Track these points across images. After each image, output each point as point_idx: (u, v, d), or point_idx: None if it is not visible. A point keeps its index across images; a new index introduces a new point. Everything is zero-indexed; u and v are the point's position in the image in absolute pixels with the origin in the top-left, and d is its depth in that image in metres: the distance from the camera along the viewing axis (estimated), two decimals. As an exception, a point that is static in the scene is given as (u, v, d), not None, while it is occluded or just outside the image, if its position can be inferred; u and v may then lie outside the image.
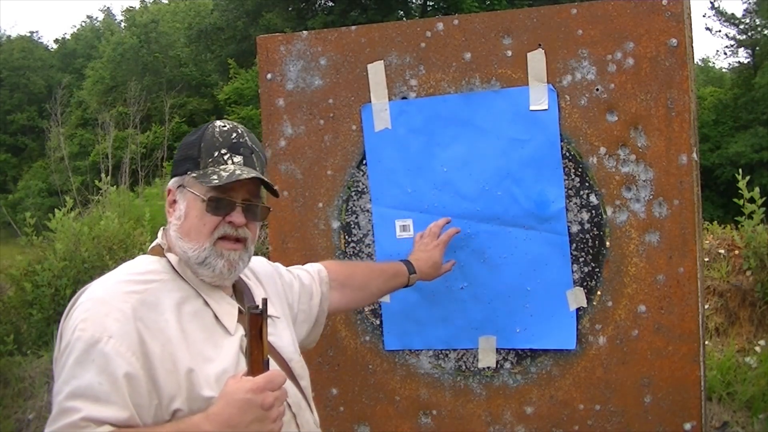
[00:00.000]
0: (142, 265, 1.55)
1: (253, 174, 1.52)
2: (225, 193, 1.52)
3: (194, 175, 1.53)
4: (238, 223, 1.54)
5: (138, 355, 1.37)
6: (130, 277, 1.50)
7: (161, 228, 1.63)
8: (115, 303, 1.41)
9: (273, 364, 1.57)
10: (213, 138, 1.55)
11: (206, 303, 1.53)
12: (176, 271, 1.54)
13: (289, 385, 1.60)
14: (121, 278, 1.49)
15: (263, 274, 1.81)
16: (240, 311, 1.58)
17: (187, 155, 1.56)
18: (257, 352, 1.33)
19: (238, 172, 1.51)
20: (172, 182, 1.57)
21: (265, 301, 1.34)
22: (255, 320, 1.31)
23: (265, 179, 1.57)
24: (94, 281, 1.51)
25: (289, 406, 1.58)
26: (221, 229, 1.53)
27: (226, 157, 1.54)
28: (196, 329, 1.48)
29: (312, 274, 1.97)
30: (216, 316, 1.53)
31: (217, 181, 1.49)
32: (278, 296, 1.79)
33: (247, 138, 1.58)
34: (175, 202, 1.56)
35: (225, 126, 1.58)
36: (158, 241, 1.60)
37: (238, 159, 1.54)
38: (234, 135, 1.57)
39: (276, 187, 1.63)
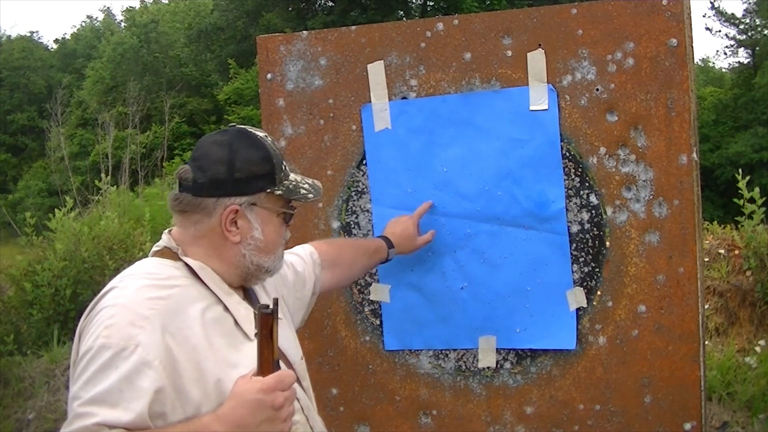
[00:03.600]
0: (161, 268, 1.52)
1: (316, 182, 1.68)
2: (291, 203, 1.63)
3: (279, 192, 1.56)
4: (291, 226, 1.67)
5: (165, 364, 1.36)
6: (152, 281, 1.47)
7: (166, 231, 1.60)
8: (139, 310, 1.39)
9: (283, 367, 1.57)
10: (274, 151, 1.58)
11: (226, 308, 1.53)
12: (195, 275, 1.53)
13: (298, 387, 1.60)
14: (144, 283, 1.47)
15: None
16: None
17: (257, 173, 1.53)
18: (267, 352, 1.32)
19: (308, 181, 1.65)
20: (240, 201, 1.52)
21: (276, 301, 1.34)
22: (266, 320, 1.31)
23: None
24: (115, 283, 1.48)
25: (302, 408, 1.58)
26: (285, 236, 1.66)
27: (288, 169, 1.62)
28: (219, 335, 1.48)
29: (304, 258, 1.99)
30: (236, 321, 1.53)
31: (312, 196, 1.62)
32: (277, 293, 1.79)
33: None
34: (234, 221, 1.53)
35: (266, 135, 1.60)
36: (165, 243, 1.58)
37: (290, 167, 1.64)
38: (274, 141, 1.63)
39: None
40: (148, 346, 1.35)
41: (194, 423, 1.34)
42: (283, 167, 1.59)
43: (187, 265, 1.53)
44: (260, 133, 1.58)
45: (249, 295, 1.65)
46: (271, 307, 1.32)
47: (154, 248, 1.60)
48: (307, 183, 1.64)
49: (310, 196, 1.61)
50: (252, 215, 1.54)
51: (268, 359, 1.33)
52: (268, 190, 1.54)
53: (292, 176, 1.62)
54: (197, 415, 1.37)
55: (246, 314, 1.55)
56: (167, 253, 1.56)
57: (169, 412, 1.36)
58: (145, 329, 1.37)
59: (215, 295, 1.53)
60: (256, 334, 1.32)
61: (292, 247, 2.02)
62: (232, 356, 1.47)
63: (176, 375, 1.38)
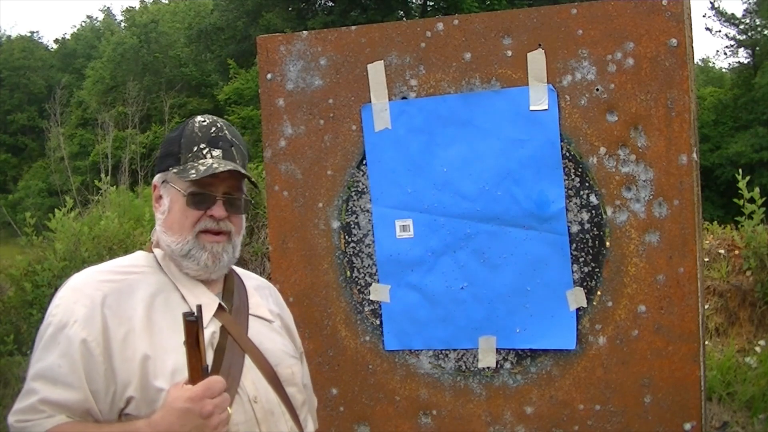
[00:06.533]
0: (129, 258, 1.60)
1: (230, 167, 1.54)
2: (205, 187, 1.54)
3: (175, 170, 1.55)
4: (219, 216, 1.55)
5: (99, 341, 1.41)
6: (111, 268, 1.55)
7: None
8: (86, 290, 1.46)
9: (251, 366, 1.53)
10: (192, 133, 1.58)
11: (183, 297, 1.54)
12: (160, 265, 1.56)
13: (267, 390, 1.57)
14: (103, 269, 1.54)
15: (275, 297, 1.79)
16: (220, 306, 1.57)
17: (168, 151, 1.59)
18: (195, 360, 1.32)
19: (215, 165, 1.53)
20: (156, 178, 1.61)
21: (199, 308, 1.33)
22: (191, 327, 1.30)
23: (243, 171, 1.58)
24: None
25: (254, 413, 1.52)
26: (203, 223, 1.55)
27: (204, 152, 1.56)
28: (165, 320, 1.49)
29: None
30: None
31: (194, 176, 1.51)
32: (278, 308, 1.76)
33: (226, 132, 1.60)
34: (160, 197, 1.59)
35: (204, 121, 1.60)
36: (152, 237, 1.64)
37: (216, 153, 1.56)
38: (213, 129, 1.59)
39: (254, 179, 1.64)
40: (85, 323, 1.41)
41: (129, 425, 1.38)
42: (196, 150, 1.55)
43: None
44: (201, 118, 1.61)
45: (231, 292, 1.63)
46: (195, 314, 1.31)
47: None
48: (218, 165, 1.52)
49: (192, 173, 1.52)
50: (165, 192, 1.58)
51: (196, 367, 1.32)
52: (173, 170, 1.56)
53: (209, 161, 1.54)
54: (125, 396, 1.41)
55: (206, 303, 1.53)
56: (149, 245, 1.63)
57: (103, 390, 1.40)
58: (87, 307, 1.43)
59: (174, 283, 1.55)
60: (183, 342, 1.32)
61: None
62: (172, 342, 1.44)
63: (110, 353, 1.42)
